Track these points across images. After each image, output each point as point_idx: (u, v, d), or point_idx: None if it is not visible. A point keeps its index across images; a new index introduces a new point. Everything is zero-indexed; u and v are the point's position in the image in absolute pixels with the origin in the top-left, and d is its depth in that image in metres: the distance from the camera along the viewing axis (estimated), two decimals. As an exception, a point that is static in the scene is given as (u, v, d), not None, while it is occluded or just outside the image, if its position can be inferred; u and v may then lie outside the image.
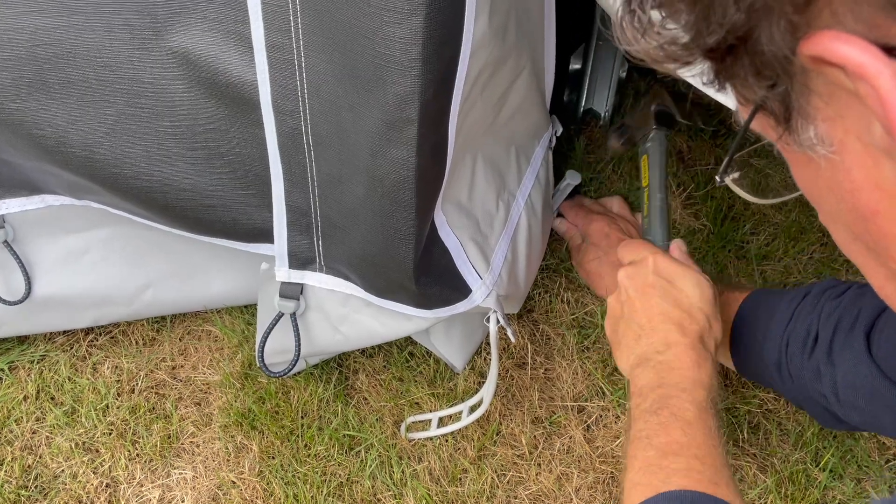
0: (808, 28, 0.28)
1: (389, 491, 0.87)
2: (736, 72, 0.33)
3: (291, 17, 0.62)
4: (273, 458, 0.89)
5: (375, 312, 0.80)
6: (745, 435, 0.92)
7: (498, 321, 0.78)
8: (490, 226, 0.80)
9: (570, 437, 0.92)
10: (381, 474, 0.88)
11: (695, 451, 0.64)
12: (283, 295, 0.81)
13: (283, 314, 0.82)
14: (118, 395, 0.95)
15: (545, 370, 0.98)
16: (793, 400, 0.80)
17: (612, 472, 0.90)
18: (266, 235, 0.81)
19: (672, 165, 1.19)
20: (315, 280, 0.80)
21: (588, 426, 0.93)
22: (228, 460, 0.90)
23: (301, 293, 0.81)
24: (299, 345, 0.83)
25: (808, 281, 1.07)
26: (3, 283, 0.89)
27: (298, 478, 0.88)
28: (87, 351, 0.98)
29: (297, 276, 0.80)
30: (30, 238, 0.89)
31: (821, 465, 0.89)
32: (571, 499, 0.88)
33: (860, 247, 0.37)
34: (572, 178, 1.08)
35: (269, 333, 0.83)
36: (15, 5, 0.68)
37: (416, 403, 0.94)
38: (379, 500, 0.87)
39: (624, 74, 1.24)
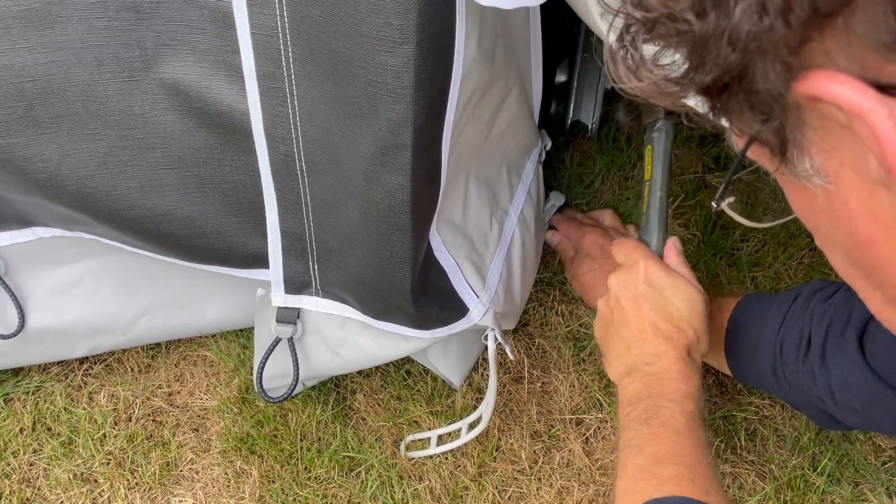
0: (801, 68, 0.28)
1: (391, 512, 0.88)
2: (731, 107, 0.33)
3: (282, 47, 0.62)
4: (273, 482, 0.89)
5: (373, 335, 0.81)
6: (743, 442, 0.93)
7: (496, 339, 0.78)
8: (485, 244, 0.81)
9: (570, 451, 0.93)
10: (382, 495, 0.88)
11: (686, 459, 0.65)
12: (279, 320, 0.81)
13: (280, 339, 0.82)
14: (115, 423, 0.94)
15: (542, 384, 0.99)
16: (790, 403, 0.81)
17: (612, 484, 0.90)
18: (261, 261, 0.81)
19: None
20: (312, 304, 0.80)
21: (587, 439, 0.94)
22: (228, 486, 0.90)
23: (298, 318, 0.81)
24: (298, 369, 0.83)
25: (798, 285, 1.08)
26: (-3, 316, 0.89)
27: (299, 501, 0.87)
28: (82, 380, 0.98)
29: (294, 301, 0.80)
30: (22, 270, 0.89)
31: (818, 470, 0.90)
32: (573, 512, 0.89)
33: (858, 272, 0.38)
34: (556, 200, 1.09)
35: (267, 359, 0.83)
36: (1, 42, 0.68)
37: (415, 422, 0.94)
38: (381, 521, 0.87)
39: (609, 86, 1.25)
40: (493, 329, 0.78)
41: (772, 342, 0.77)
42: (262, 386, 0.85)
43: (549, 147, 1.01)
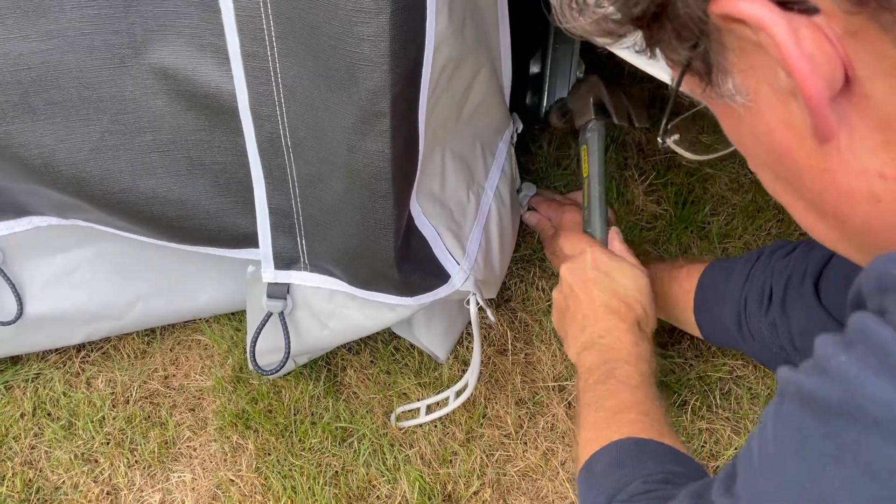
0: None
1: (383, 476, 0.91)
2: (661, 37, 0.38)
3: (265, 26, 0.66)
4: (269, 454, 0.92)
5: (360, 305, 0.84)
6: (718, 400, 0.97)
7: (477, 303, 0.82)
8: (463, 215, 0.85)
9: (553, 415, 0.97)
10: (374, 461, 0.92)
11: (643, 408, 0.71)
12: (270, 295, 0.85)
13: (271, 314, 0.86)
14: (113, 406, 0.97)
15: (525, 355, 1.03)
16: (756, 358, 0.86)
17: (574, 444, 0.94)
18: (251, 240, 0.85)
19: (633, 157, 1.25)
20: (300, 279, 0.84)
21: (569, 403, 0.98)
22: (226, 460, 0.93)
23: (287, 292, 0.85)
24: (289, 342, 0.86)
25: (767, 255, 1.13)
26: (-4, 305, 0.92)
27: (295, 470, 0.91)
28: (80, 367, 1.01)
29: (283, 276, 0.84)
30: (19, 259, 0.92)
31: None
32: (558, 472, 0.92)
33: (782, 185, 0.42)
34: (528, 190, 1.14)
35: (259, 333, 0.87)
36: None
37: (404, 394, 0.98)
38: (374, 485, 0.91)
39: (581, 75, 1.30)
40: (474, 294, 0.82)
41: (736, 298, 0.81)
42: (255, 360, 0.88)
43: (520, 129, 1.06)
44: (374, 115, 0.64)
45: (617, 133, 1.28)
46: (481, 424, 0.96)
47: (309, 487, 0.90)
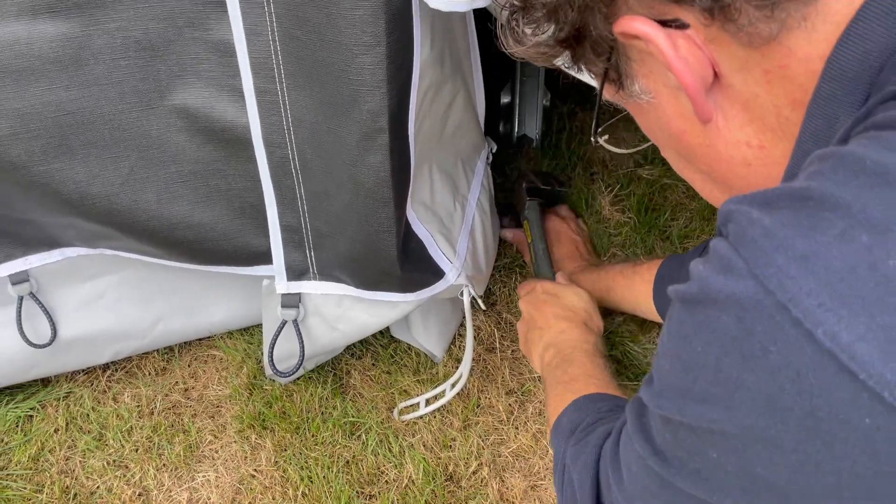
0: (615, 16, 0.45)
1: (391, 462, 1.01)
2: (583, 54, 0.50)
3: (275, 66, 0.78)
4: (286, 449, 1.02)
5: (366, 307, 0.95)
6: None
7: (470, 294, 0.94)
8: (451, 221, 0.97)
9: (540, 402, 1.07)
10: (381, 450, 1.02)
11: (593, 375, 0.87)
12: (284, 305, 0.95)
13: (286, 322, 0.96)
14: (139, 417, 1.07)
15: (512, 351, 1.14)
16: None
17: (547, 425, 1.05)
18: (264, 258, 0.95)
19: (599, 172, 1.39)
20: (311, 288, 0.95)
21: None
22: (246, 458, 1.02)
23: (300, 301, 0.96)
24: (303, 347, 0.97)
25: (723, 252, 1.26)
26: (32, 330, 1.01)
27: (310, 462, 1.00)
28: (106, 385, 1.10)
29: (295, 287, 0.95)
30: (51, 288, 1.02)
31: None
32: (547, 450, 1.03)
33: (685, 163, 0.54)
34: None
35: (275, 340, 0.97)
36: (41, 83, 0.83)
37: (405, 391, 1.08)
38: (382, 471, 1.00)
39: (548, 103, 1.44)
40: (467, 286, 0.93)
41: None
42: (273, 365, 0.99)
43: (494, 150, 1.19)
44: (375, 131, 0.76)
45: (583, 152, 1.42)
46: (476, 413, 1.06)
47: (324, 476, 0.99)
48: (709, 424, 0.38)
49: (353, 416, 1.05)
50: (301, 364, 0.98)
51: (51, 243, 0.99)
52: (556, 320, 1.00)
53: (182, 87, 0.84)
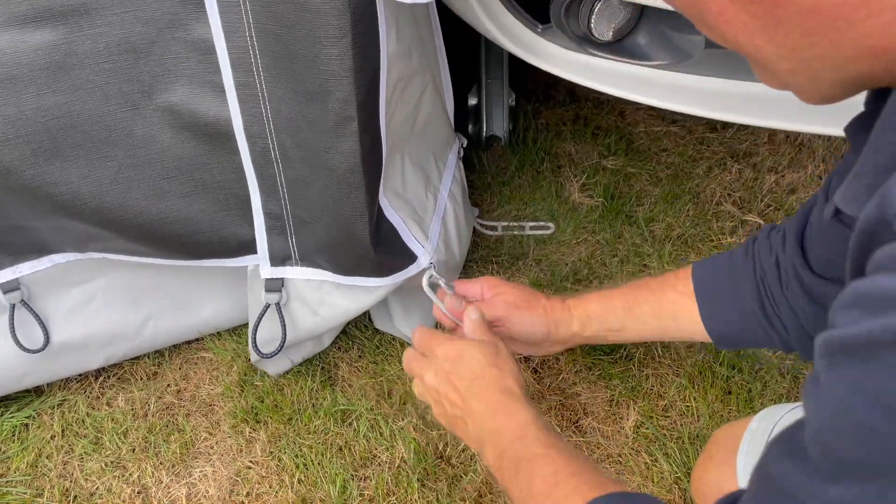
0: None
1: (382, 445, 1.04)
2: None
3: (253, 60, 0.83)
4: (280, 439, 1.05)
5: (344, 292, 1.00)
6: (660, 352, 1.14)
7: (432, 274, 0.95)
8: (423, 209, 1.02)
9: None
10: (373, 434, 1.05)
11: (566, 470, 0.64)
12: (268, 290, 0.99)
13: (269, 305, 1.00)
14: (134, 419, 1.09)
15: (493, 336, 1.18)
16: (783, 346, 0.75)
17: (560, 400, 1.09)
18: (249, 247, 0.99)
19: (565, 164, 1.45)
20: (293, 273, 0.99)
21: (535, 369, 1.13)
22: (241, 451, 1.05)
23: (282, 286, 1.00)
24: (285, 329, 1.00)
25: (688, 233, 1.32)
26: (25, 337, 1.04)
27: (304, 449, 1.03)
28: (99, 391, 1.13)
29: (279, 272, 0.99)
30: (42, 295, 1.05)
31: (720, 362, 1.11)
32: (532, 426, 1.07)
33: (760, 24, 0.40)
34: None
35: (259, 322, 1.01)
36: (30, 89, 0.87)
37: (391, 378, 1.12)
38: (374, 454, 1.04)
39: (513, 103, 1.51)
40: (431, 265, 0.98)
41: (751, 280, 0.75)
42: (256, 346, 1.02)
43: (465, 144, 1.24)
44: (345, 119, 0.81)
45: (550, 147, 1.48)
46: (462, 394, 1.10)
47: (318, 462, 1.02)
48: None
49: (343, 405, 1.08)
50: (282, 345, 1.01)
51: (40, 250, 1.02)
52: (472, 398, 0.74)
53: (165, 87, 0.88)
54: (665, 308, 0.80)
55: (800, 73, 0.42)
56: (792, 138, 1.50)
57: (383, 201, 0.95)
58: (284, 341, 1.01)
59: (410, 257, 0.97)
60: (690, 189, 1.40)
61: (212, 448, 1.06)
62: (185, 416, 1.10)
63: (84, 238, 1.00)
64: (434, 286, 0.89)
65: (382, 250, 0.94)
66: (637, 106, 1.60)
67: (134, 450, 1.06)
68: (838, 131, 0.59)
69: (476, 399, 0.73)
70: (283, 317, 1.00)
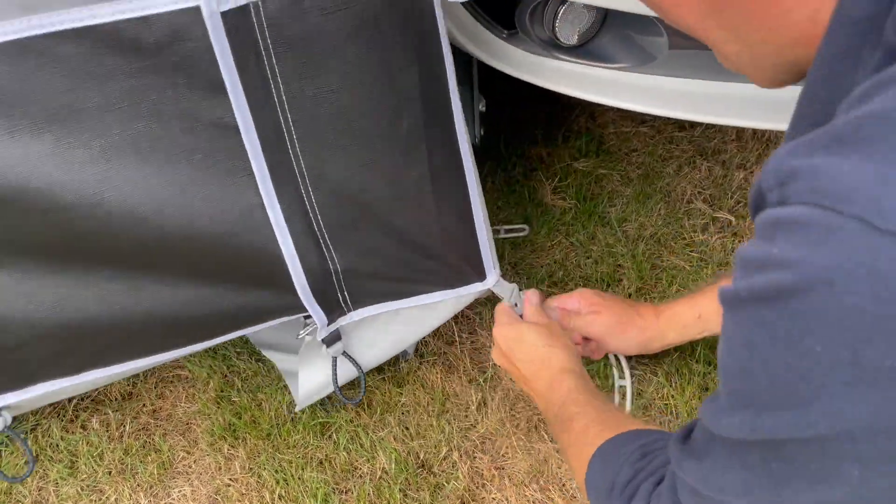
0: None
1: (363, 457, 1.03)
2: None
3: (294, 164, 0.81)
4: (259, 455, 1.04)
5: (403, 319, 1.00)
6: (637, 351, 1.14)
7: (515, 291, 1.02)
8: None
9: (504, 389, 1.11)
10: (353, 446, 1.04)
11: (598, 419, 0.78)
12: (328, 344, 0.98)
13: (336, 357, 0.99)
14: (110, 441, 1.07)
15: (471, 342, 1.18)
16: None
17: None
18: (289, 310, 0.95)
19: (537, 168, 1.45)
20: (346, 320, 0.97)
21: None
22: (220, 469, 1.04)
23: (339, 335, 0.99)
24: (360, 367, 1.02)
25: (660, 232, 1.33)
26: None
27: (284, 464, 1.02)
28: (73, 414, 1.11)
29: (333, 327, 0.97)
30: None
31: (696, 359, 1.12)
32: (512, 432, 1.07)
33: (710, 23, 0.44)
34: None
35: (336, 376, 1.01)
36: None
37: (370, 388, 1.11)
38: (355, 466, 1.03)
39: (483, 108, 1.51)
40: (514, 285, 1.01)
41: None
42: (343, 397, 1.03)
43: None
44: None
45: (521, 151, 1.48)
46: (444, 403, 1.09)
47: (298, 476, 1.01)
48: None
49: (322, 418, 1.08)
50: (364, 388, 1.04)
51: (27, 379, 0.94)
52: (532, 379, 0.91)
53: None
54: None
55: (745, 55, 0.44)
56: (759, 135, 1.52)
57: (478, 214, 0.95)
58: (364, 383, 1.02)
59: (480, 275, 0.98)
60: (661, 188, 1.41)
61: (190, 467, 1.05)
62: (162, 436, 1.08)
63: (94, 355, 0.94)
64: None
65: (457, 257, 0.95)
66: (606, 108, 1.61)
67: (110, 472, 1.04)
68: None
69: (534, 379, 0.91)
70: (353, 359, 1.01)
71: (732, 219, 1.34)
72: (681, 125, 1.55)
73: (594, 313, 1.02)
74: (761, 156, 1.47)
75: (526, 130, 1.55)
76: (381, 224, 0.89)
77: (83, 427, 1.09)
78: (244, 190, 0.80)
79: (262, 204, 0.81)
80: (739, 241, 1.30)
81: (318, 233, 0.87)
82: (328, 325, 0.96)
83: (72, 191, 0.73)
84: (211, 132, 0.76)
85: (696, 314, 0.97)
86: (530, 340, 0.94)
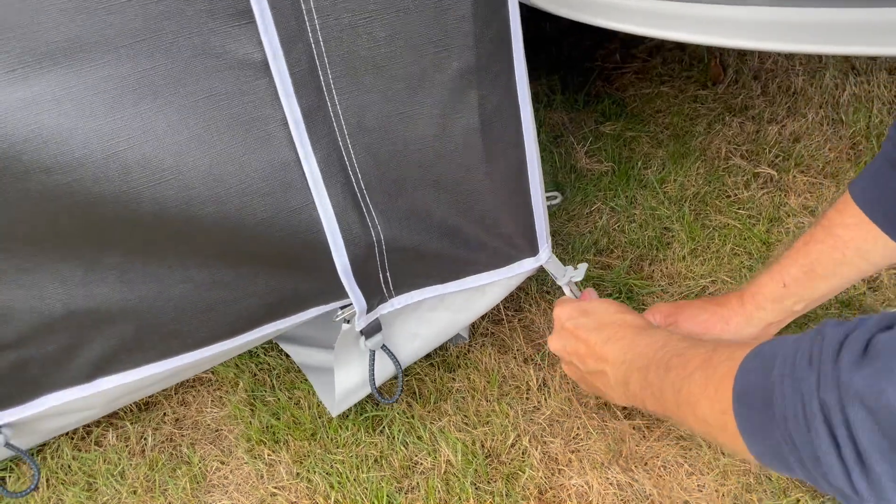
0: None
1: (423, 451, 0.92)
2: None
3: (331, 110, 0.70)
4: (306, 457, 0.92)
5: (449, 304, 0.88)
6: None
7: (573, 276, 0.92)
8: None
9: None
10: (410, 440, 0.93)
11: (709, 347, 0.64)
12: (367, 335, 0.86)
13: (374, 351, 0.87)
14: (131, 456, 0.94)
15: (519, 319, 1.08)
16: None
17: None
18: (327, 296, 0.84)
19: (563, 133, 1.36)
20: (387, 308, 0.86)
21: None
22: (262, 477, 0.92)
23: (380, 325, 0.87)
24: (399, 363, 0.90)
25: (703, 191, 1.24)
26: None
27: (336, 465, 0.91)
28: (84, 431, 0.97)
29: (373, 315, 0.85)
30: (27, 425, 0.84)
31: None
32: (581, 412, 0.97)
33: None
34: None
35: (374, 372, 0.89)
36: None
37: (417, 375, 1.00)
38: (415, 461, 0.92)
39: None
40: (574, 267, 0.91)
41: None
42: (381, 395, 0.91)
43: None
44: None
45: (541, 116, 1.39)
46: (501, 386, 0.99)
47: (354, 478, 0.90)
48: None
49: (371, 411, 0.96)
50: (402, 387, 0.91)
51: (33, 392, 0.81)
52: (604, 343, 0.77)
53: None
54: (848, 249, 0.75)
55: None
56: (784, 88, 1.45)
57: (535, 186, 0.83)
58: (402, 381, 0.90)
59: (533, 250, 0.87)
60: (695, 147, 1.33)
61: (227, 478, 0.93)
62: (191, 446, 0.95)
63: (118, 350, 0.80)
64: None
65: (511, 231, 0.83)
66: (622, 70, 1.53)
67: (136, 491, 0.91)
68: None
69: (609, 344, 0.76)
70: (391, 353, 0.88)
71: (774, 173, 1.27)
72: (703, 83, 1.48)
73: (672, 324, 0.90)
74: (790, 109, 1.41)
75: (543, 97, 1.46)
76: (427, 184, 0.78)
77: (97, 444, 0.96)
78: (276, 142, 0.69)
79: (297, 158, 0.70)
80: (785, 196, 1.23)
81: (358, 194, 0.76)
82: (367, 311, 0.85)
83: (80, 143, 0.61)
84: (237, 72, 0.65)
85: (780, 284, 0.85)
86: (600, 311, 0.82)
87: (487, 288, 0.91)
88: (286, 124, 0.69)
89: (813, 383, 0.46)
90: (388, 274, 0.84)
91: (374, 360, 0.88)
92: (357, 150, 0.73)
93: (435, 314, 0.90)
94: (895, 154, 0.73)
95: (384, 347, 0.88)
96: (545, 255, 0.90)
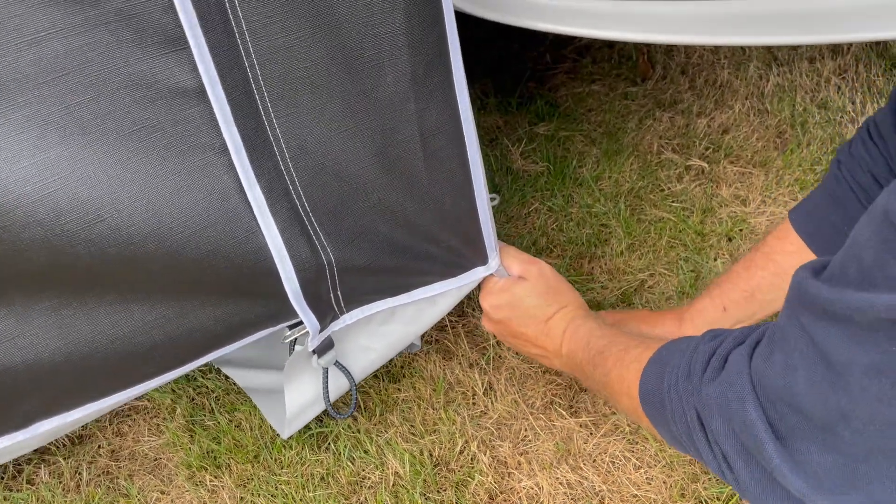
0: None
1: (370, 465, 0.91)
2: None
3: (270, 133, 0.68)
4: (250, 481, 0.89)
5: (400, 317, 0.87)
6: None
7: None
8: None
9: (508, 368, 1.01)
10: (356, 454, 0.92)
11: (636, 344, 0.69)
12: (320, 353, 0.83)
13: (326, 368, 0.85)
14: (65, 493, 0.90)
15: (462, 325, 1.07)
16: None
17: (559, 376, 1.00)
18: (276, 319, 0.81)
19: (498, 136, 1.36)
20: (339, 325, 0.83)
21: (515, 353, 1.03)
22: (205, 504, 0.89)
23: (332, 342, 0.84)
24: (352, 377, 0.87)
25: (637, 186, 1.26)
26: None
27: (281, 486, 0.89)
28: (14, 469, 0.93)
29: (325, 333, 0.82)
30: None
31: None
32: (528, 416, 0.96)
33: None
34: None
35: (327, 390, 0.86)
36: None
37: (361, 389, 0.99)
38: (363, 475, 0.90)
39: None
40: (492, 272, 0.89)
41: (856, 202, 0.75)
42: (333, 408, 0.88)
43: None
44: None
45: (476, 120, 1.39)
46: (447, 393, 0.98)
47: (300, 498, 0.88)
48: None
49: (315, 428, 0.94)
50: (355, 400, 0.89)
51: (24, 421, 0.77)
52: (540, 338, 0.83)
53: None
54: (788, 276, 0.76)
55: None
56: (711, 81, 1.48)
57: (481, 196, 0.82)
58: (357, 395, 0.87)
59: (482, 260, 0.86)
60: (628, 143, 1.34)
61: (168, 508, 0.90)
62: (128, 478, 0.92)
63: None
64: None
65: (460, 242, 0.82)
66: (553, 70, 1.54)
67: (72, 530, 0.87)
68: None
69: (544, 338, 0.83)
70: (344, 368, 0.86)
71: (705, 165, 1.29)
72: (633, 80, 1.50)
73: None
74: (718, 101, 1.44)
75: (476, 101, 1.46)
76: (372, 202, 0.76)
77: (30, 482, 0.92)
78: (216, 170, 0.66)
79: (240, 186, 0.67)
80: (717, 187, 1.25)
81: (304, 218, 0.73)
82: (321, 331, 0.83)
83: (5, 188, 0.58)
84: (169, 101, 0.62)
85: (720, 308, 0.86)
86: (526, 303, 0.85)
87: (438, 298, 0.90)
88: (226, 151, 0.66)
89: (689, 396, 0.52)
90: (338, 293, 0.82)
91: (327, 377, 0.86)
92: (300, 174, 0.71)
93: (387, 327, 0.89)
94: (837, 189, 0.75)
95: (337, 363, 0.86)
96: (495, 264, 0.89)
